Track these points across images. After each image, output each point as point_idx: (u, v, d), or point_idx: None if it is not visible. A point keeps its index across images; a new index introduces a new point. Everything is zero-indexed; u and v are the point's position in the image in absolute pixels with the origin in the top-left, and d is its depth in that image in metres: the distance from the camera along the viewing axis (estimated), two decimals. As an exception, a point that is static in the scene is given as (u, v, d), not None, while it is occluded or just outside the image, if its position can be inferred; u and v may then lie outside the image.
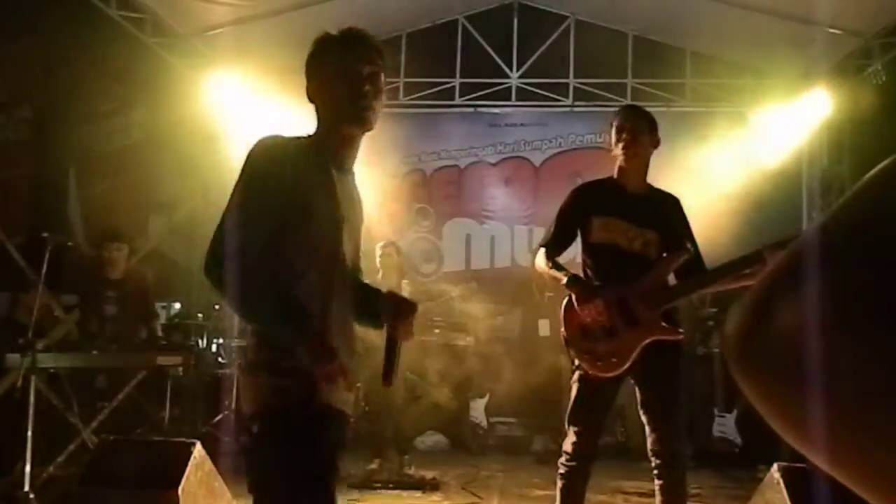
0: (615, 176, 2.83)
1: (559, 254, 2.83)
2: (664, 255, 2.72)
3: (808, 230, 0.39)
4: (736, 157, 6.51)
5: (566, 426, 2.75)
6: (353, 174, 1.81)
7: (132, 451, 3.33)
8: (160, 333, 5.10)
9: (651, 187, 2.84)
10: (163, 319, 6.04)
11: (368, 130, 1.73)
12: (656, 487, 2.66)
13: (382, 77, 1.74)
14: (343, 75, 1.70)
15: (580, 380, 2.72)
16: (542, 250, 2.83)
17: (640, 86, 6.80)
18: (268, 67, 6.63)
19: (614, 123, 2.81)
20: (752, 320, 0.39)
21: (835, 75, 6.20)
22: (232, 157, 6.92)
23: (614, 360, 2.61)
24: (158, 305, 5.51)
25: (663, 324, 2.63)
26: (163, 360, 4.39)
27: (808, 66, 6.26)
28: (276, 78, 6.74)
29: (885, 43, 5.79)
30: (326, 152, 1.71)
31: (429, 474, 4.61)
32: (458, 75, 7.04)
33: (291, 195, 1.60)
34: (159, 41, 5.96)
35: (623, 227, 2.71)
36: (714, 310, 5.69)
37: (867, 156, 6.05)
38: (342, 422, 1.70)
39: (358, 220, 1.82)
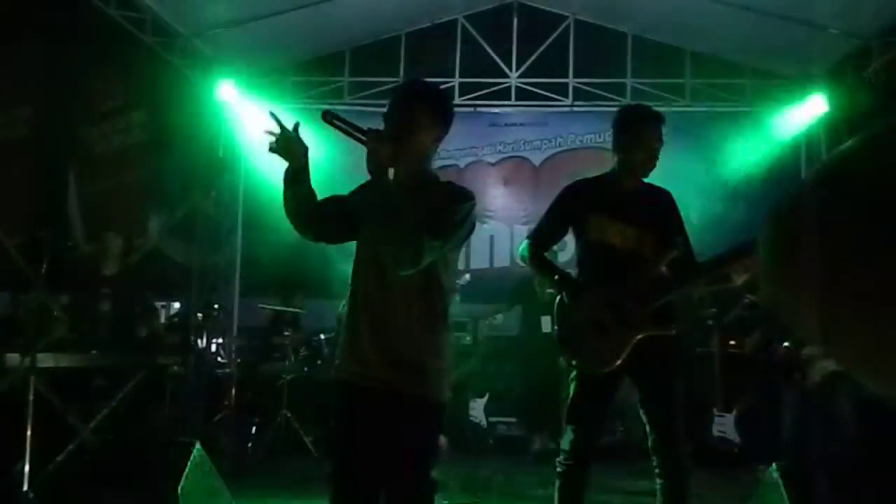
0: (612, 173, 2.81)
1: (546, 249, 2.83)
2: (657, 252, 2.72)
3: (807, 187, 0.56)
4: (735, 158, 6.52)
5: (564, 425, 2.75)
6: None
7: (131, 450, 3.34)
8: (163, 332, 5.10)
9: (644, 184, 2.83)
10: (162, 319, 6.03)
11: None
12: (657, 487, 2.66)
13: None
14: None
15: (578, 378, 2.72)
16: (527, 242, 2.83)
17: (640, 86, 6.80)
18: (268, 67, 6.64)
19: (646, 130, 2.70)
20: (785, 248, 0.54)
21: (834, 75, 6.21)
22: (232, 156, 6.95)
23: (606, 356, 2.61)
24: (158, 305, 5.51)
25: (655, 320, 2.64)
26: (163, 359, 4.40)
27: (807, 66, 6.27)
28: (276, 77, 6.75)
29: (884, 43, 5.79)
30: None
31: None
32: (457, 75, 7.04)
33: None
34: (159, 41, 5.96)
35: (618, 226, 2.70)
36: (713, 310, 5.69)
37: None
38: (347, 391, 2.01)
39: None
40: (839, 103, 6.08)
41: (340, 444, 2.02)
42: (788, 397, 4.11)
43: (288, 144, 1.98)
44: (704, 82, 6.77)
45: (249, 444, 5.44)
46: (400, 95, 2.10)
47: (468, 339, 6.20)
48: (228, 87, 6.27)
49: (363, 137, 1.88)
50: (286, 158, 1.99)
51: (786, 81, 6.53)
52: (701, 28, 6.42)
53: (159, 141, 6.93)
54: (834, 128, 6.46)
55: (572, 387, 2.75)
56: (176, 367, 4.76)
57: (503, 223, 7.11)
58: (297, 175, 2.00)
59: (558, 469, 2.74)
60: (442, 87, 7.22)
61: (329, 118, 1.90)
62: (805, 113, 6.27)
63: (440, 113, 2.08)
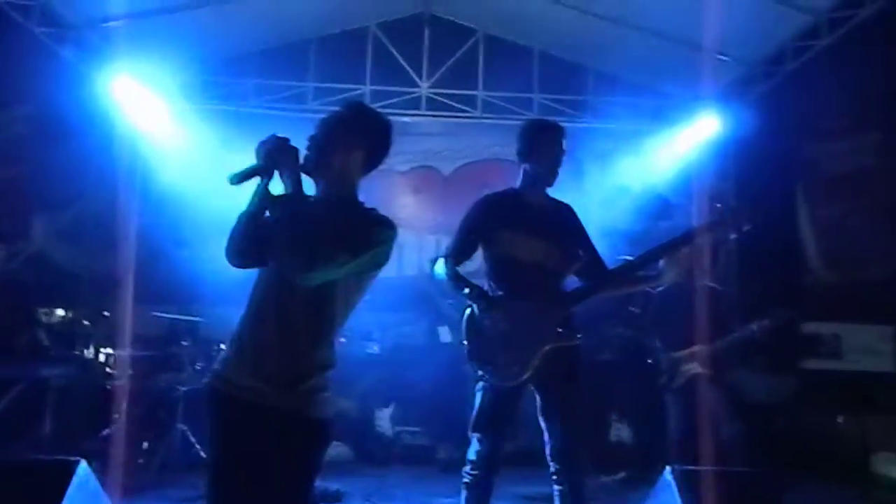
0: (519, 188, 2.89)
1: (460, 264, 2.87)
2: (562, 264, 2.81)
3: None
4: (633, 173, 6.83)
5: (470, 434, 2.77)
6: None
7: (5, 470, 3.08)
8: (46, 342, 4.76)
9: (549, 198, 2.92)
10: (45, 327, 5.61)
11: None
12: (555, 492, 2.72)
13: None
14: None
15: (483, 388, 2.75)
16: (442, 260, 2.86)
17: (546, 101, 7.00)
18: (171, 66, 6.36)
19: (547, 142, 2.82)
20: None
21: (722, 98, 6.62)
22: (129, 155, 6.59)
23: (515, 368, 2.66)
24: (40, 312, 5.14)
25: (560, 330, 2.71)
26: (45, 370, 4.10)
27: (700, 88, 6.65)
28: (180, 77, 6.48)
29: (767, 70, 6.25)
30: None
31: (332, 486, 4.52)
32: (367, 82, 7.00)
33: None
34: (48, 31, 5.59)
35: (524, 239, 2.78)
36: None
37: (751, 173, 6.54)
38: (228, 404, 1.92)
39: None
40: (727, 124, 6.50)
41: (223, 457, 1.92)
42: (669, 400, 4.27)
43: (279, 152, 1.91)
44: (606, 100, 7.05)
45: (141, 461, 5.15)
46: (333, 113, 2.14)
47: (375, 348, 6.14)
48: (125, 84, 5.96)
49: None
50: (272, 169, 1.91)
51: (681, 102, 6.90)
52: (603, 48, 6.68)
53: (46, 136, 6.49)
54: (722, 147, 6.90)
55: (478, 396, 2.78)
56: (59, 379, 4.44)
57: (412, 232, 7.10)
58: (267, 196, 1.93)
59: (465, 479, 2.76)
60: (351, 93, 7.21)
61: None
62: (696, 132, 6.66)
63: (358, 132, 2.14)
